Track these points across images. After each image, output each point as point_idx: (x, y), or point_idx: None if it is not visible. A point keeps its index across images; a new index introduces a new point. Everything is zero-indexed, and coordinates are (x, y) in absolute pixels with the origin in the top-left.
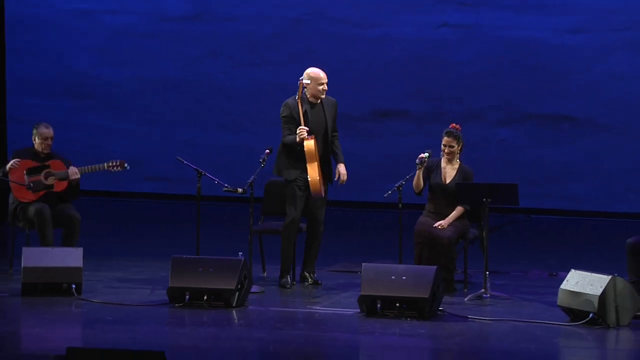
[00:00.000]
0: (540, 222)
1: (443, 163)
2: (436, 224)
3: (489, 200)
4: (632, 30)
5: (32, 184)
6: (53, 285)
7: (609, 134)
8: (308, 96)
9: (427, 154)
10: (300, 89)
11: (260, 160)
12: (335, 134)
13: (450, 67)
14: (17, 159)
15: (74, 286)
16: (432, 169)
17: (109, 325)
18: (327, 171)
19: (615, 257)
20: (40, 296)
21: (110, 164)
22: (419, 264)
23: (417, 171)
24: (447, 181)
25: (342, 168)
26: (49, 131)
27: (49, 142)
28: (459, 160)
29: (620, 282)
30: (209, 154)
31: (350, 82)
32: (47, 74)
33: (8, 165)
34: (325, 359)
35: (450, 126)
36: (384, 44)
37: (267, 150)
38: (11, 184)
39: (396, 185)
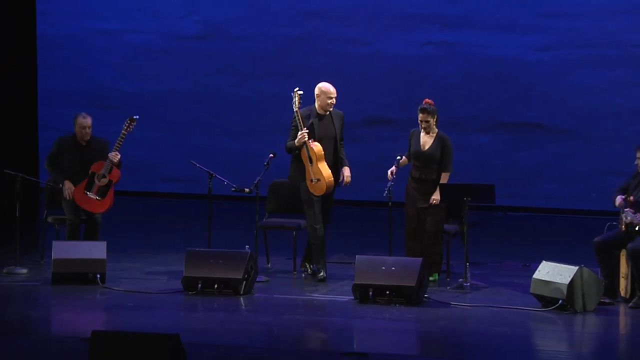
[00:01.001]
0: (514, 219)
1: (422, 133)
2: (431, 200)
3: (469, 198)
4: (592, 48)
5: (98, 197)
6: (80, 275)
7: (573, 139)
8: (317, 108)
9: (399, 157)
10: (296, 99)
11: (265, 163)
12: (341, 142)
13: (433, 81)
14: (68, 189)
15: (98, 276)
16: (413, 138)
17: (130, 311)
18: (335, 175)
19: (582, 250)
20: (68, 285)
21: (126, 127)
22: (411, 249)
23: (397, 166)
24: (426, 148)
25: (346, 171)
26: (86, 120)
27: (87, 130)
28: (437, 129)
29: (587, 272)
30: (218, 157)
31: (345, 93)
32: (74, 86)
33: (66, 194)
34: (323, 341)
35: (423, 102)
36: (374, 59)
37: (271, 155)
38: (82, 204)
39: (387, 185)
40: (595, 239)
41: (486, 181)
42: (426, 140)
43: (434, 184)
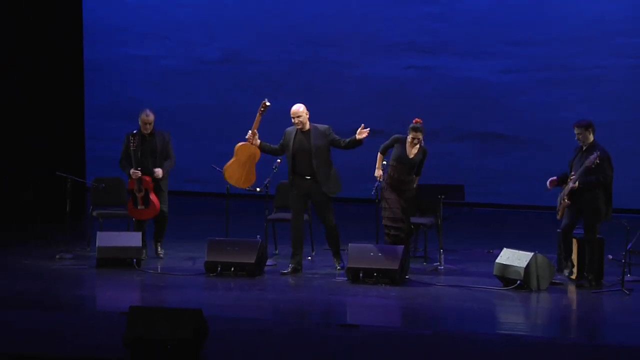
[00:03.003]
0: (481, 213)
1: (409, 142)
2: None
3: (443, 196)
4: (547, 71)
5: (144, 206)
6: (119, 260)
7: (531, 147)
8: None
9: (385, 162)
10: (263, 108)
11: (273, 167)
12: (338, 145)
13: (414, 98)
14: (133, 174)
15: (135, 261)
16: (398, 143)
17: (161, 290)
18: (314, 185)
19: (537, 239)
20: (110, 268)
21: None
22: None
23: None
24: (411, 156)
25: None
26: (147, 118)
27: (147, 126)
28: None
29: (540, 257)
30: None
31: (339, 108)
32: (116, 103)
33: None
34: (321, 315)
35: (414, 122)
36: (365, 80)
37: (278, 160)
38: (138, 217)
39: (375, 185)
40: (560, 230)
41: (457, 182)
42: (413, 149)
43: (409, 185)
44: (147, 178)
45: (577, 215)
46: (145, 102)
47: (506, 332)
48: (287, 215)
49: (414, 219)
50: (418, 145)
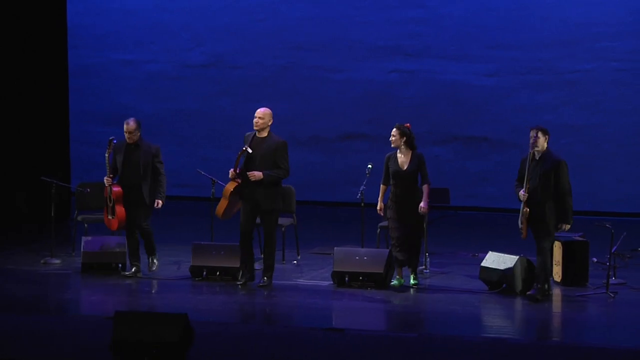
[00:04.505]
0: (465, 216)
1: (398, 154)
2: (421, 209)
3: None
4: (529, 75)
5: (111, 216)
6: (104, 265)
7: (513, 150)
8: None
9: (370, 165)
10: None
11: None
12: (278, 169)
13: (398, 101)
14: (106, 182)
15: (120, 265)
16: (390, 161)
17: (146, 294)
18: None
19: (522, 243)
20: (94, 273)
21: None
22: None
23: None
24: (405, 167)
25: (256, 173)
26: (127, 126)
27: (129, 135)
28: (412, 149)
29: (525, 261)
30: (221, 167)
31: (324, 112)
32: (101, 107)
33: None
34: (307, 319)
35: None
36: (348, 84)
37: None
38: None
39: (360, 189)
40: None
41: (442, 186)
42: (404, 160)
43: (415, 198)
44: (116, 188)
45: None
46: (130, 107)
47: (492, 335)
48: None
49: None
50: (407, 154)
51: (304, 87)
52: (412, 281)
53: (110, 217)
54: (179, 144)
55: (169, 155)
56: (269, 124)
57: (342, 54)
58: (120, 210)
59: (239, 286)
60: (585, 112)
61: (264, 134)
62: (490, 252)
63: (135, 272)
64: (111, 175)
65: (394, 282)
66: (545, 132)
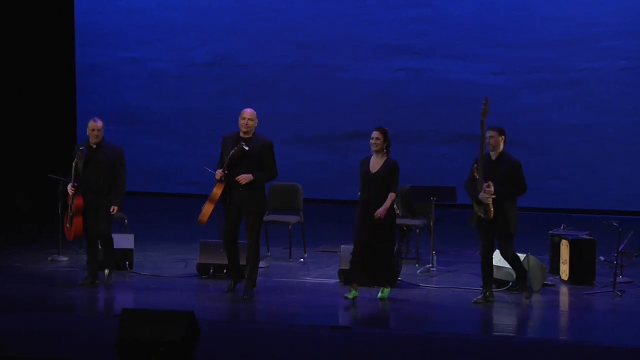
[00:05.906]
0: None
1: (373, 156)
2: (376, 213)
3: (435, 198)
4: (535, 73)
5: (69, 224)
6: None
7: (519, 149)
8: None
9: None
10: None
11: None
12: (266, 172)
13: (404, 100)
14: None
15: (127, 263)
16: (363, 164)
17: (154, 292)
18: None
19: (529, 241)
20: (102, 270)
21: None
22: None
23: None
24: (375, 170)
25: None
26: (93, 124)
27: (95, 132)
28: (387, 154)
29: (532, 259)
30: None
31: (329, 111)
32: (107, 106)
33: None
34: (313, 316)
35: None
36: (354, 83)
37: None
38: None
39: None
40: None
41: (449, 184)
42: (376, 163)
43: (380, 205)
44: (77, 200)
45: (491, 232)
46: (134, 105)
47: (498, 333)
48: (279, 217)
49: (406, 221)
50: (381, 158)
51: (309, 86)
52: (379, 294)
53: (69, 225)
54: (183, 142)
55: (174, 153)
56: (255, 125)
57: (347, 53)
58: (77, 222)
59: (224, 292)
60: (591, 112)
61: (249, 134)
62: (497, 250)
63: (91, 281)
64: (75, 184)
65: (347, 294)
66: (501, 133)
